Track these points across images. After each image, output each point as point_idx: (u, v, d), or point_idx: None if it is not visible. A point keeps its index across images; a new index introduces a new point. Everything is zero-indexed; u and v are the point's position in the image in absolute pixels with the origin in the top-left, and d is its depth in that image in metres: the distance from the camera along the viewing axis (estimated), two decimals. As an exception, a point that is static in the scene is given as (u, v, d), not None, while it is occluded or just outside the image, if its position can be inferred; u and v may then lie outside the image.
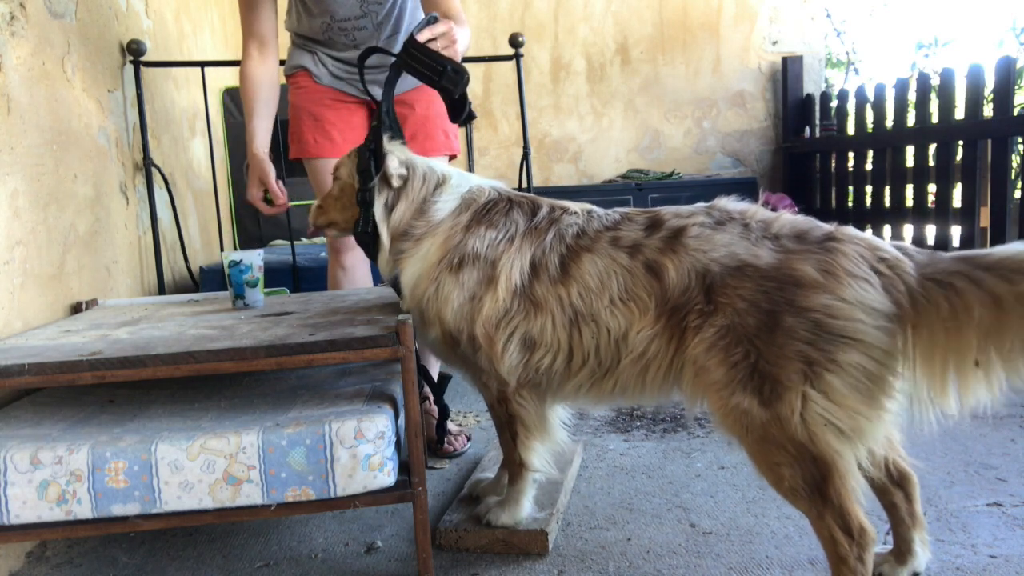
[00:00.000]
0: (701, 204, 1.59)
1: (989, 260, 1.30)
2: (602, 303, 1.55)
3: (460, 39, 1.88)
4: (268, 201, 2.23)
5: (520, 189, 2.89)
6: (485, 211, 1.73)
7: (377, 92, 2.37)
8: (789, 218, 1.49)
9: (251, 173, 2.22)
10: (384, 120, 1.81)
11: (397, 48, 2.33)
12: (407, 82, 2.36)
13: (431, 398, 2.45)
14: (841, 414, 1.32)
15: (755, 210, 1.53)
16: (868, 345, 1.32)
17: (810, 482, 1.35)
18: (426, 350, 2.08)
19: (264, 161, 2.20)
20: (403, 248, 1.75)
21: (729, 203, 1.56)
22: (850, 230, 1.44)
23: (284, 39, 2.39)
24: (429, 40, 1.80)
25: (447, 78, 1.78)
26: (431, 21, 1.85)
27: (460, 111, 1.89)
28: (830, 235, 1.42)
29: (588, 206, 1.72)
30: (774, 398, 1.35)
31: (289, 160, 2.49)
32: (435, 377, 2.20)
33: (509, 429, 1.75)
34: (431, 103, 2.36)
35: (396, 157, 1.78)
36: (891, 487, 1.54)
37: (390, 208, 1.77)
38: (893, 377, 1.34)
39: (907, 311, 1.33)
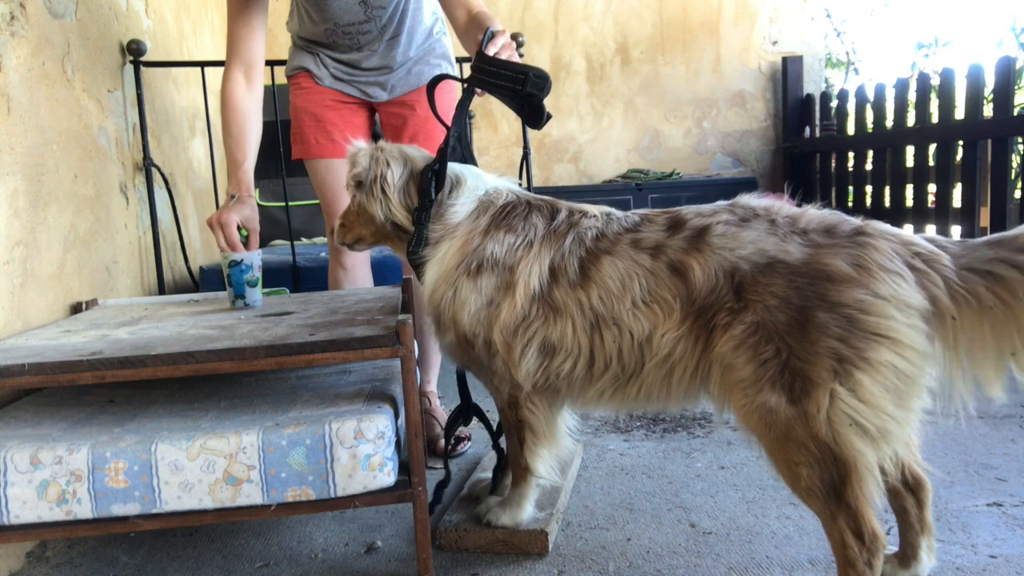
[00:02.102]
0: (722, 202, 1.55)
1: (1021, 242, 1.29)
2: (624, 306, 1.52)
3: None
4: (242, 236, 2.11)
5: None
6: (504, 215, 1.70)
7: (376, 93, 2.39)
8: (816, 213, 1.46)
9: (235, 206, 2.05)
10: (455, 145, 1.79)
11: (400, 49, 2.35)
12: (407, 83, 2.38)
13: (431, 404, 2.45)
14: (869, 414, 1.29)
15: (779, 206, 1.49)
16: (900, 343, 1.29)
17: (827, 483, 1.33)
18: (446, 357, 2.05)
19: (255, 207, 2.10)
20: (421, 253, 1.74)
21: (752, 200, 1.53)
22: (880, 224, 1.41)
23: (278, 51, 2.37)
24: (496, 53, 1.77)
25: (532, 83, 1.72)
26: (491, 36, 1.82)
27: (540, 115, 1.81)
28: (860, 229, 1.39)
29: (607, 208, 1.69)
30: (803, 395, 1.32)
31: (291, 160, 2.49)
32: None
33: (517, 434, 1.73)
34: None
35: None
36: (904, 491, 1.52)
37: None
38: (924, 378, 1.32)
39: (946, 305, 1.30)
